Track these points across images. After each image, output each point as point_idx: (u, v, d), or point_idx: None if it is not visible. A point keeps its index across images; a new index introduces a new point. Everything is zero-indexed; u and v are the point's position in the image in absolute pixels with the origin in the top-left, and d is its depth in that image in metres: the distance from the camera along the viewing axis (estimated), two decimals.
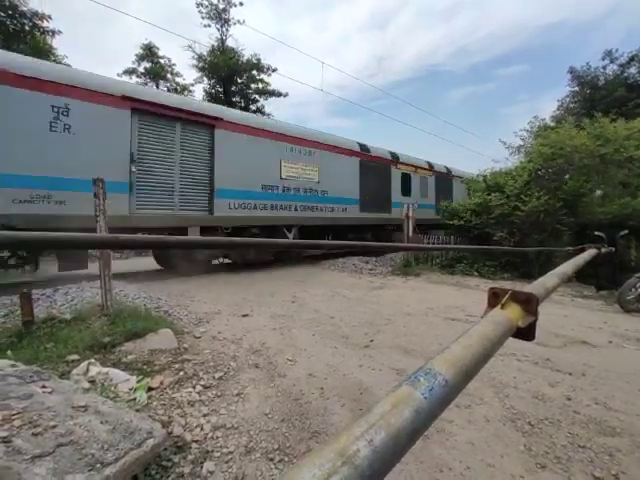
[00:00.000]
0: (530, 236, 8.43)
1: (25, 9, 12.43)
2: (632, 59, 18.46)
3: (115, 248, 6.80)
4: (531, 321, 0.70)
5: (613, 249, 2.57)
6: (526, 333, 0.69)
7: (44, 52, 13.13)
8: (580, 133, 8.86)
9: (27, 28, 12.79)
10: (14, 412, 1.53)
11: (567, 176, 8.91)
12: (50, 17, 13.01)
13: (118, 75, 21.37)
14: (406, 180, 12.95)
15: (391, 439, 0.32)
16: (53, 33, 13.57)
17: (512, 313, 0.68)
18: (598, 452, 1.87)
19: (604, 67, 19.42)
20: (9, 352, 2.63)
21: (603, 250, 2.27)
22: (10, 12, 12.10)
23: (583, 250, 2.10)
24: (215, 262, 8.81)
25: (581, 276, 7.02)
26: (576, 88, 20.34)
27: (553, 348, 3.41)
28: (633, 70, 18.61)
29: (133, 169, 6.28)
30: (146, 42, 22.70)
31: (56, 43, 14.60)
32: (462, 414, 2.20)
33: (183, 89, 23.57)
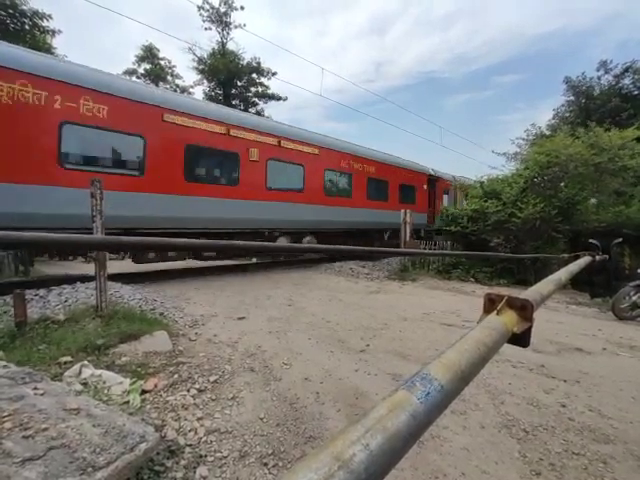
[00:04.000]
0: (526, 243, 8.49)
1: (25, 8, 12.43)
2: (626, 70, 18.74)
3: (116, 251, 6.75)
4: (526, 327, 0.70)
5: (607, 257, 2.60)
6: (521, 339, 0.69)
7: (44, 51, 13.09)
8: (575, 142, 8.98)
9: (27, 27, 12.78)
10: (5, 414, 1.51)
11: (562, 184, 9.01)
12: (50, 16, 13.02)
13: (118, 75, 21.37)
14: None
15: (387, 443, 0.32)
16: (53, 32, 13.58)
17: (507, 319, 0.68)
18: (592, 459, 1.87)
19: (599, 77, 19.72)
20: (0, 353, 2.60)
21: (597, 258, 2.29)
22: (10, 11, 12.09)
23: (578, 257, 2.12)
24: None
25: (576, 283, 7.07)
26: (571, 98, 20.60)
27: (548, 355, 3.43)
28: (627, 81, 18.90)
29: None
30: (146, 43, 22.81)
31: (56, 42, 14.62)
32: (457, 420, 2.20)
33: (183, 91, 23.61)
